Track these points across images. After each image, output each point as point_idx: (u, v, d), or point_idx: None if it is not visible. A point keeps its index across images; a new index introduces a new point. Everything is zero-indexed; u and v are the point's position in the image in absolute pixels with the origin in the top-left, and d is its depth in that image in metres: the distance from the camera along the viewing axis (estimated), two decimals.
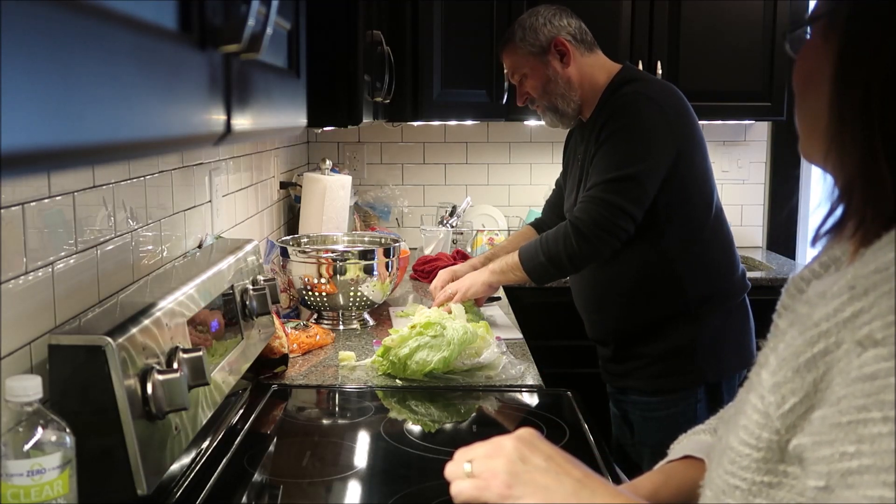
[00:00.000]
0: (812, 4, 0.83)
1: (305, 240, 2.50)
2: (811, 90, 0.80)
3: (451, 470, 0.92)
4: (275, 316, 1.83)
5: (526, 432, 0.92)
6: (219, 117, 0.64)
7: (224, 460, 1.44)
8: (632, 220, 2.01)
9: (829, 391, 0.68)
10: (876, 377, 0.63)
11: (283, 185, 2.89)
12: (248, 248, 1.79)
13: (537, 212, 3.43)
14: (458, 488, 0.90)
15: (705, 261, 2.11)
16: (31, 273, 1.14)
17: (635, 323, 2.14)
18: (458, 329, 1.85)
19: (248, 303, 1.63)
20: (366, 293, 2.25)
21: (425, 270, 2.96)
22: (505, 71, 2.38)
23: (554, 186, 2.51)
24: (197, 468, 1.37)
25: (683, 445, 1.05)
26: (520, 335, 2.24)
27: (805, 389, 0.69)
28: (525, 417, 1.70)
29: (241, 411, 1.65)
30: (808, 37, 0.82)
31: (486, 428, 1.67)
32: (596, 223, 2.01)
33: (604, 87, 2.14)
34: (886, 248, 0.69)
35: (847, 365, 0.66)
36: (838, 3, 0.76)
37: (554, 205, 2.48)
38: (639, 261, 2.09)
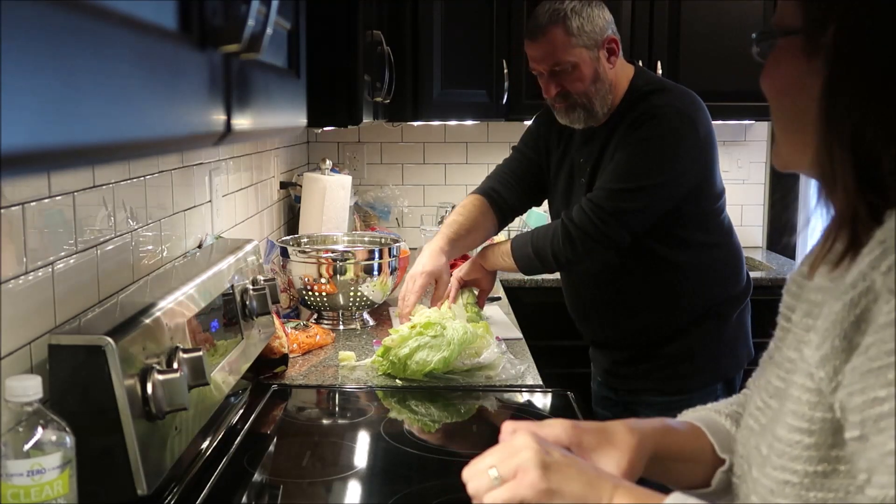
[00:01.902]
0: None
1: (305, 240, 2.50)
2: (790, 104, 0.80)
3: (477, 484, 0.85)
4: (275, 316, 1.83)
5: (531, 425, 0.89)
6: (219, 117, 0.64)
7: (224, 460, 1.44)
8: (626, 231, 1.96)
9: (862, 342, 0.67)
10: None
11: (283, 185, 2.89)
12: (248, 248, 1.79)
13: (537, 211, 3.44)
14: (492, 498, 0.83)
15: (721, 265, 2.12)
16: (31, 273, 1.14)
17: (655, 326, 2.13)
18: (458, 329, 1.85)
19: (248, 303, 1.63)
20: (366, 293, 2.25)
21: None
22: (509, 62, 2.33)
23: (516, 163, 2.34)
24: (197, 468, 1.37)
25: (692, 416, 1.05)
26: (520, 335, 2.24)
27: (854, 353, 0.68)
28: (525, 418, 1.69)
29: (241, 411, 1.65)
30: (778, 45, 0.80)
31: (486, 428, 1.67)
32: (586, 230, 1.97)
33: (623, 91, 2.06)
34: None
35: (877, 312, 0.66)
36: (815, 19, 0.75)
37: (511, 182, 2.30)
38: (660, 266, 2.08)
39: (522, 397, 1.81)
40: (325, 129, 2.98)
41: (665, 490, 0.85)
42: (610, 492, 0.81)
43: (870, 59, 0.72)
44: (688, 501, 0.78)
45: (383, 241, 2.51)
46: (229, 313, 1.55)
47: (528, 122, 3.45)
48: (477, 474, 0.85)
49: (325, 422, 1.72)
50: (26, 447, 0.91)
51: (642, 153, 1.96)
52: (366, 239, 2.59)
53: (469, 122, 3.51)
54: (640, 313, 2.15)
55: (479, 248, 2.30)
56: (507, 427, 0.92)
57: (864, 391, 0.65)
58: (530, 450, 0.82)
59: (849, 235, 0.73)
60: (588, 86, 2.02)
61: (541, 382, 1.86)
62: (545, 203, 3.60)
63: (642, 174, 1.95)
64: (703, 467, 0.97)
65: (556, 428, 0.92)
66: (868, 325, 0.67)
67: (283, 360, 1.88)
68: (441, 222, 3.35)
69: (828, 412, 0.71)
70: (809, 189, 3.67)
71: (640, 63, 3.09)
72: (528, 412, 1.73)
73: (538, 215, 3.42)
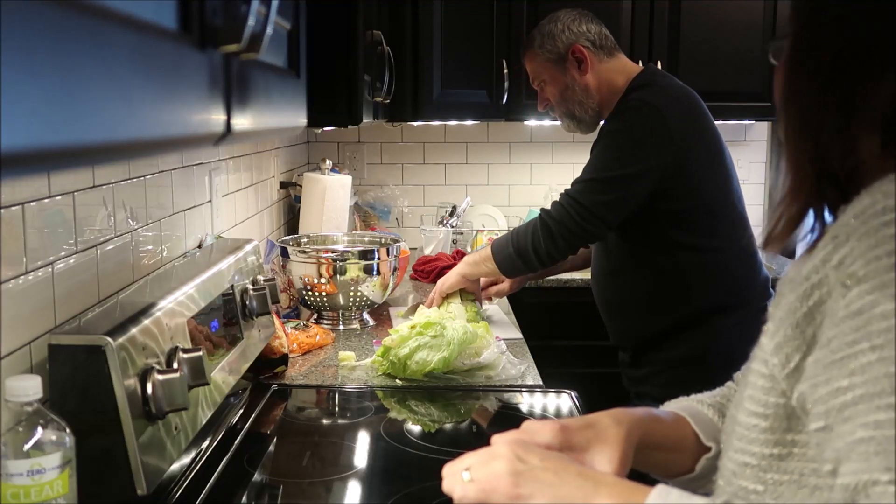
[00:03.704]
0: None
1: (305, 240, 2.50)
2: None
3: (450, 483, 0.89)
4: (275, 316, 1.83)
5: (513, 435, 0.91)
6: (219, 117, 0.64)
7: (224, 460, 1.44)
8: (603, 223, 2.01)
9: (820, 335, 0.69)
10: (862, 312, 0.65)
11: (283, 185, 2.89)
12: (248, 248, 1.79)
13: (537, 211, 3.44)
14: (462, 492, 0.87)
15: (720, 269, 2.08)
16: (31, 273, 1.14)
17: (650, 330, 2.13)
18: (458, 329, 1.85)
19: (248, 303, 1.63)
20: (366, 293, 2.25)
21: (425, 270, 2.96)
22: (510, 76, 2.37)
23: None
24: (197, 468, 1.37)
25: (676, 406, 1.05)
26: (520, 335, 2.24)
27: (807, 343, 0.71)
28: (525, 418, 1.69)
29: (241, 411, 1.65)
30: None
31: (486, 428, 1.67)
32: (563, 223, 2.02)
33: (622, 91, 2.14)
34: (862, 197, 0.72)
35: (834, 307, 0.68)
36: (792, 31, 0.80)
37: None
38: (651, 269, 2.09)
39: (522, 397, 1.81)
40: (325, 129, 2.98)
41: (649, 480, 0.86)
42: (590, 494, 0.81)
43: (827, 46, 0.75)
44: (670, 495, 0.79)
45: (383, 241, 2.51)
46: (229, 313, 1.55)
47: (528, 122, 3.48)
48: (452, 474, 0.89)
49: (325, 422, 1.72)
50: (26, 447, 0.91)
51: (610, 146, 2.05)
52: (366, 239, 2.59)
53: (469, 122, 3.52)
54: (625, 314, 2.18)
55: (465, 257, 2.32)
56: (495, 438, 0.93)
57: (828, 382, 0.67)
58: (504, 459, 0.85)
59: (798, 213, 0.77)
60: (559, 96, 2.22)
61: (541, 382, 1.86)
62: (546, 202, 3.61)
63: (612, 165, 2.01)
64: (687, 456, 0.98)
65: (545, 433, 0.92)
66: (823, 318, 0.69)
67: (283, 360, 1.88)
68: (441, 222, 3.36)
69: (780, 398, 0.73)
70: None
71: (640, 63, 3.09)
72: (528, 412, 1.73)
73: None
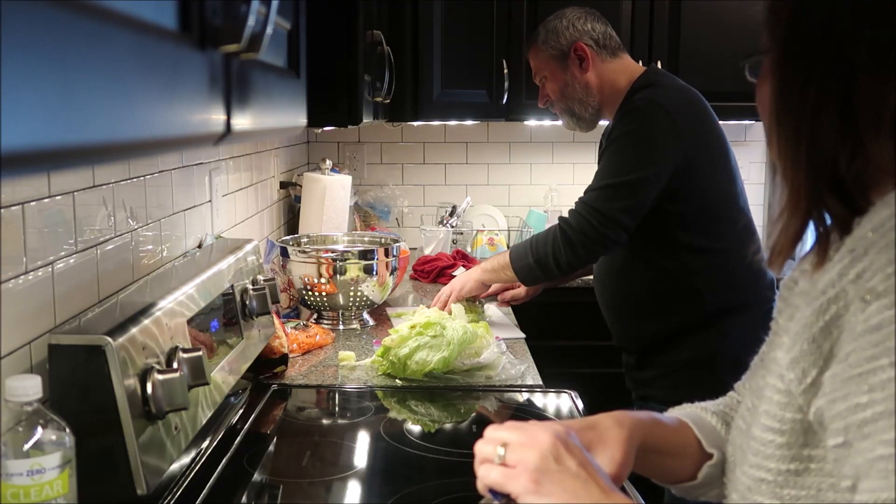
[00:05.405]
0: None
1: (305, 240, 2.50)
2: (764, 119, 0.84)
3: (482, 449, 0.87)
4: (275, 316, 1.83)
5: (563, 429, 0.87)
6: (219, 117, 0.64)
7: (224, 460, 1.44)
8: (622, 229, 2.00)
9: (838, 350, 0.68)
10: (881, 327, 0.65)
11: (283, 185, 2.89)
12: (248, 247, 1.79)
13: (537, 211, 3.45)
14: (485, 471, 0.85)
15: (725, 271, 2.07)
16: (31, 273, 1.14)
17: (655, 332, 2.12)
18: (458, 329, 1.85)
19: (248, 303, 1.63)
20: (366, 293, 2.25)
21: (425, 270, 2.96)
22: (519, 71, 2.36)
23: None
24: (197, 468, 1.37)
25: (679, 413, 1.05)
26: (520, 335, 2.24)
27: (824, 358, 0.70)
28: (525, 418, 1.69)
29: (241, 411, 1.65)
30: (762, 66, 0.84)
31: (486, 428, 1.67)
32: (583, 231, 2.01)
33: (625, 92, 2.13)
34: (879, 209, 0.71)
35: (853, 321, 0.67)
36: (771, 32, 0.80)
37: None
38: (656, 271, 2.08)
39: (522, 397, 1.81)
40: (325, 129, 2.98)
41: (650, 484, 0.85)
42: None
43: (816, 52, 0.75)
44: None
45: (383, 241, 2.51)
46: (229, 313, 1.55)
47: (528, 122, 3.48)
48: (490, 441, 0.86)
49: (325, 422, 1.72)
50: (26, 447, 0.91)
51: (621, 150, 2.03)
52: (366, 239, 2.59)
53: (469, 122, 3.51)
54: (630, 316, 2.17)
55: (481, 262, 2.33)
56: (546, 424, 0.90)
57: (847, 398, 0.66)
58: (540, 452, 0.82)
59: (799, 227, 0.76)
60: (559, 93, 2.22)
61: (541, 382, 1.86)
62: (546, 202, 3.61)
63: (626, 170, 2.00)
64: (689, 462, 0.97)
65: None
66: (840, 332, 0.69)
67: (283, 360, 1.88)
68: (441, 222, 3.36)
69: (797, 413, 0.72)
70: None
71: (640, 63, 3.09)
72: (528, 412, 1.73)
73: (538, 215, 3.42)
